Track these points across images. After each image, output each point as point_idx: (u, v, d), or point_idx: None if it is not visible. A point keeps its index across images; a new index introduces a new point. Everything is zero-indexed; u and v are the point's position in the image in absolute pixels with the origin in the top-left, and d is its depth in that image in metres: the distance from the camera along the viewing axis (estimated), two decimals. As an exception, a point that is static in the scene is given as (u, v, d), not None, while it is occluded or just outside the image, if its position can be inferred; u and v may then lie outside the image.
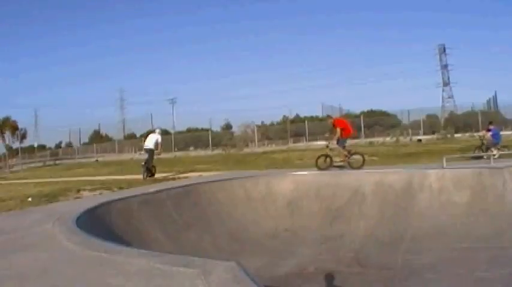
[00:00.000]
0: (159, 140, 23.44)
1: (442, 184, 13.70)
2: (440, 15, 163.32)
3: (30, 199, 15.85)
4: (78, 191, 17.70)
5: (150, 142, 23.41)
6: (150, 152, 23.29)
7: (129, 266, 5.48)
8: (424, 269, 10.27)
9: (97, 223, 9.59)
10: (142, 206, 11.67)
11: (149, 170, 23.01)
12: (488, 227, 11.73)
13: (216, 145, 60.94)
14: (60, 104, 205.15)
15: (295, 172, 17.48)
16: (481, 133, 26.67)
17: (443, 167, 14.70)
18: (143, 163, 23.30)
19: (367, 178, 14.58)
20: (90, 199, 13.81)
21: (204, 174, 22.19)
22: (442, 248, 11.35)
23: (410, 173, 14.30)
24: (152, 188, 15.02)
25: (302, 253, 12.12)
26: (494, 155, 18.38)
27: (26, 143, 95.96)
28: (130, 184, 18.84)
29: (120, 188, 17.68)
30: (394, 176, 14.27)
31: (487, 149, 22.52)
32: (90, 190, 17.82)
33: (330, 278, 10.28)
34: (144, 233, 10.50)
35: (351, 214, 13.54)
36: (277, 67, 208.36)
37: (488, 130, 24.35)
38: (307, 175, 16.05)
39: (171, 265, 5.29)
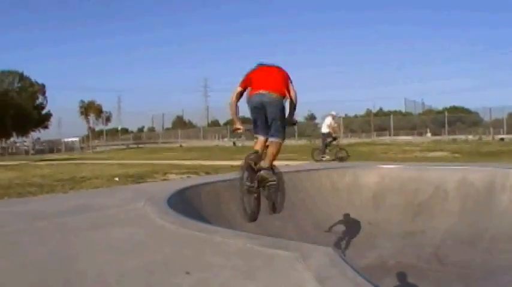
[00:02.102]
0: (329, 122, 23.16)
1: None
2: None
3: (117, 179, 16.38)
4: (165, 173, 18.11)
5: (323, 126, 23.38)
6: (323, 135, 23.33)
7: (227, 246, 5.63)
8: (502, 271, 10.00)
9: (187, 205, 9.81)
10: (230, 190, 11.79)
11: (324, 152, 22.97)
12: None
13: (299, 135, 60.80)
14: (143, 90, 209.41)
15: (381, 165, 17.31)
16: None
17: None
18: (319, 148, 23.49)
19: (450, 175, 14.22)
20: (178, 181, 14.14)
21: (291, 163, 22.16)
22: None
23: (494, 172, 13.80)
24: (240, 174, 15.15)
25: (383, 246, 12.16)
26: None
27: (109, 126, 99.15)
28: (217, 170, 19.03)
29: (207, 173, 17.93)
30: (477, 174, 13.81)
31: None
32: (177, 173, 18.18)
33: (409, 273, 10.25)
34: (230, 218, 10.62)
35: (432, 210, 13.27)
36: (363, 61, 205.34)
37: None
38: (392, 169, 15.87)
39: (268, 247, 5.39)
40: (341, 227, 12.90)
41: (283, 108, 7.72)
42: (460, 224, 12.46)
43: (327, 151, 22.78)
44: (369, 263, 10.78)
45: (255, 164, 7.80)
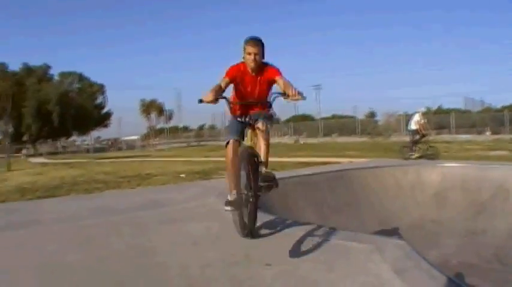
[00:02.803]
0: (417, 119, 22.65)
1: None
2: None
3: (183, 175, 16.60)
4: (231, 170, 18.10)
5: (411, 123, 23.21)
6: (410, 133, 23.02)
7: (308, 242, 5.72)
8: None
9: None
10: (298, 186, 11.88)
11: (413, 150, 22.46)
12: None
13: (361, 132, 60.59)
14: (203, 87, 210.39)
15: (443, 163, 17.09)
16: None
17: None
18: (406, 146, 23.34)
19: None
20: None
21: (354, 160, 22.08)
22: None
23: None
24: (306, 171, 15.22)
25: (445, 244, 11.93)
26: None
27: (171, 124, 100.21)
28: (284, 166, 19.11)
29: (273, 169, 17.90)
30: None
31: None
32: (243, 170, 18.12)
33: (471, 272, 10.01)
34: (297, 213, 10.67)
35: (494, 209, 12.98)
36: (421, 57, 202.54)
37: None
38: (454, 167, 15.63)
39: (345, 240, 5.47)
40: (404, 225, 12.82)
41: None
42: None
43: (416, 148, 22.46)
44: (431, 262, 10.69)
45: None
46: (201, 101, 5.66)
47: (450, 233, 12.51)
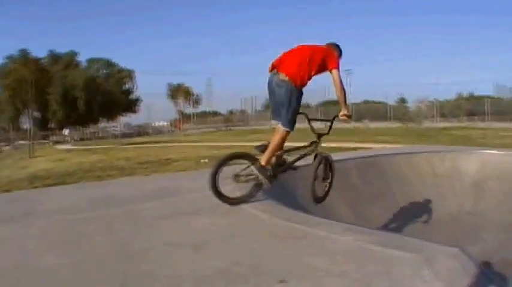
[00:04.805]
0: None
1: None
2: None
3: (206, 161, 15.79)
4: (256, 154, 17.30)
5: None
6: None
7: (332, 243, 4.62)
8: None
9: (280, 189, 8.87)
10: None
11: None
12: None
13: (392, 118, 59.91)
14: (234, 72, 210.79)
15: (481, 149, 15.97)
16: None
17: None
18: None
19: None
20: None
21: (387, 146, 21.13)
22: None
23: None
24: (336, 156, 14.25)
25: (486, 238, 10.80)
26: None
27: (199, 109, 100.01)
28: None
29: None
30: None
31: None
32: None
33: None
34: (326, 203, 9.74)
35: None
36: (451, 43, 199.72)
37: None
38: (493, 154, 14.56)
39: (384, 246, 4.32)
40: (440, 216, 11.84)
41: (291, 95, 6.69)
42: None
43: None
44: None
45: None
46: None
47: (491, 226, 11.64)
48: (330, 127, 7.79)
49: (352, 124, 53.10)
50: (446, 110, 67.55)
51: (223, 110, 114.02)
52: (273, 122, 7.19)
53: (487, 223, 11.70)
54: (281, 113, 6.77)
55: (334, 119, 7.52)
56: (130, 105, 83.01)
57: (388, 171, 13.04)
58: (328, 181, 7.50)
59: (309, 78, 6.84)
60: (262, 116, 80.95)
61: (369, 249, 4.31)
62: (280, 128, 6.76)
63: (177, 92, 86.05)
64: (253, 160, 7.06)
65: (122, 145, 37.12)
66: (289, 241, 4.81)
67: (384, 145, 22.32)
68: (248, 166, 7.06)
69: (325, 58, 6.83)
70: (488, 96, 66.68)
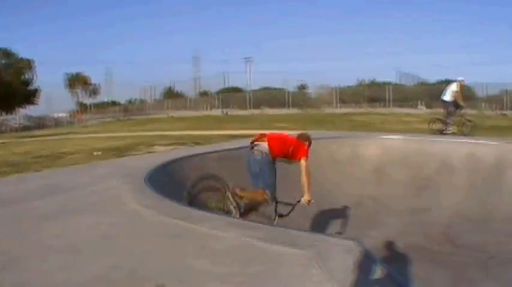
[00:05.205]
0: (456, 89, 19.89)
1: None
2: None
3: (99, 153, 15.14)
4: (151, 145, 16.91)
5: (446, 93, 20.15)
6: (446, 104, 19.61)
7: (216, 241, 4.31)
8: None
9: (170, 181, 8.65)
10: (222, 163, 10.62)
11: (447, 123, 19.28)
12: None
13: (292, 105, 60.23)
14: (134, 61, 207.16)
15: (382, 135, 16.06)
16: None
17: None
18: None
19: (457, 149, 13.12)
20: (163, 154, 12.90)
21: (286, 133, 21.02)
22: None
23: (503, 147, 12.74)
24: (233, 144, 13.93)
25: (388, 223, 10.98)
26: None
27: (99, 99, 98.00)
28: (209, 139, 17.85)
29: (197, 143, 16.71)
30: (485, 148, 12.74)
31: None
32: (164, 145, 16.99)
33: (420, 255, 8.86)
34: None
35: (439, 185, 12.23)
36: (350, 32, 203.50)
37: None
38: (395, 140, 14.66)
39: (271, 243, 4.03)
40: (341, 203, 11.77)
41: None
42: (468, 202, 11.48)
43: (450, 122, 19.22)
44: (374, 244, 9.43)
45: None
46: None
47: (392, 211, 11.76)
48: (291, 210, 8.00)
49: (250, 111, 53.11)
50: (347, 96, 68.48)
51: (122, 100, 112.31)
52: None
53: (389, 208, 11.81)
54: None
55: (296, 203, 7.86)
56: (29, 96, 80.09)
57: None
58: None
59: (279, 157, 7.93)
60: (160, 105, 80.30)
61: (255, 246, 4.04)
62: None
63: (76, 81, 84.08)
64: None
65: (21, 138, 35.66)
66: (172, 241, 4.48)
67: (282, 131, 22.21)
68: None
69: (295, 149, 7.88)
70: (390, 83, 68.20)
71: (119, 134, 28.16)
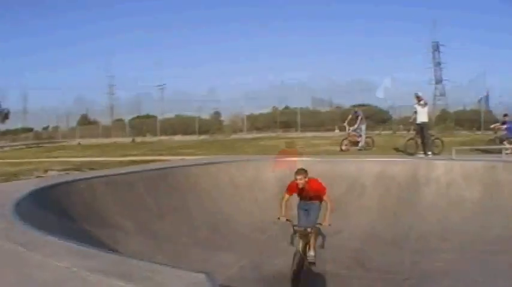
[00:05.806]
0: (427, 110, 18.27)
1: (451, 177, 12.24)
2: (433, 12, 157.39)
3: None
4: (46, 171, 16.17)
5: (421, 115, 18.01)
6: (423, 126, 17.86)
7: (42, 271, 3.65)
8: (438, 275, 8.63)
9: (51, 206, 8.04)
10: (109, 188, 10.11)
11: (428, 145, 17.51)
12: (506, 228, 10.11)
13: (204, 132, 60.13)
14: (51, 88, 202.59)
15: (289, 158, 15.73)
16: (494, 125, 23.38)
17: (452, 159, 13.04)
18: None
19: (368, 168, 13.06)
20: (51, 179, 12.18)
21: (187, 158, 20.62)
22: (453, 250, 9.74)
23: (416, 163, 12.84)
24: (124, 169, 13.31)
25: (293, 250, 10.36)
26: (507, 149, 16.17)
27: (11, 125, 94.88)
28: (105, 165, 17.19)
29: (91, 169, 16.01)
30: (398, 166, 12.84)
31: (501, 142, 19.47)
32: (59, 170, 16.19)
33: (327, 282, 8.60)
34: (109, 220, 8.91)
35: (349, 207, 11.94)
36: (266, 58, 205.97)
37: (504, 123, 21.44)
38: (299, 162, 14.30)
39: (105, 274, 3.43)
40: (244, 229, 11.44)
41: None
42: (380, 223, 11.46)
43: (426, 142, 17.76)
44: (279, 271, 9.01)
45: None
46: (279, 218, 9.05)
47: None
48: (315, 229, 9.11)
49: (159, 138, 52.73)
50: (261, 123, 68.85)
51: (39, 127, 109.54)
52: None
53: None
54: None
55: (317, 225, 8.92)
56: None
57: (183, 183, 12.46)
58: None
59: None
60: (72, 132, 78.92)
61: (84, 279, 3.38)
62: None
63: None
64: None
65: None
66: (4, 271, 3.80)
67: (185, 157, 21.78)
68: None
69: (320, 192, 9.25)
70: (302, 108, 69.04)
71: (21, 160, 27.03)
